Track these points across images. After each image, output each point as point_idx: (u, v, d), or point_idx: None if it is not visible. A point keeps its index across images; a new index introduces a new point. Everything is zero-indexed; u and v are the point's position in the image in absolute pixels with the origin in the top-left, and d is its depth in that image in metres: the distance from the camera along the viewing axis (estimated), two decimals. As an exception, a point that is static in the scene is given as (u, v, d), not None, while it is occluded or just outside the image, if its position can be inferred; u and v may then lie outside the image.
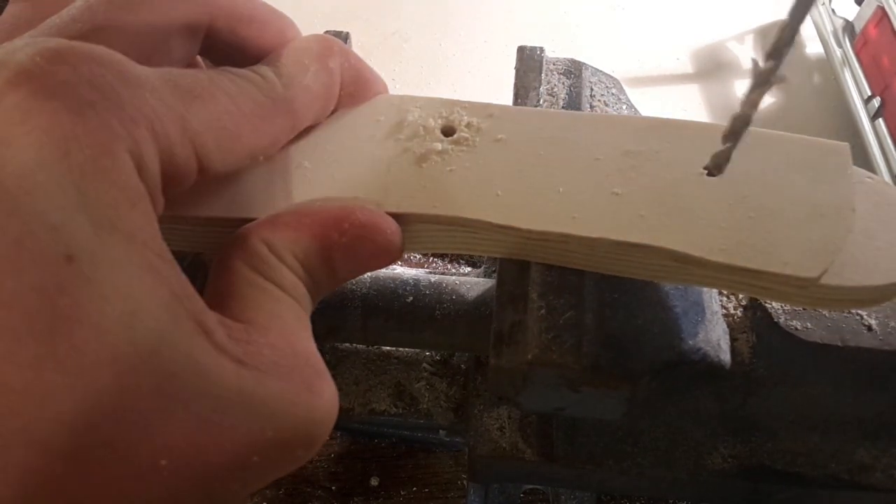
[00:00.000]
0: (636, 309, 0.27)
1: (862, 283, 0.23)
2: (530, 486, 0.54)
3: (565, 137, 0.27)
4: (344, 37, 0.34)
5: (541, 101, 0.34)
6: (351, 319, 0.34)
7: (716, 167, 0.26)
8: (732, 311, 0.32)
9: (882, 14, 0.86)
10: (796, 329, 0.30)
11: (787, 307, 0.31)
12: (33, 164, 0.15)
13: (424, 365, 0.38)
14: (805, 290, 0.24)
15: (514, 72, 0.35)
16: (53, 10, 0.20)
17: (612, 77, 0.37)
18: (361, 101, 0.28)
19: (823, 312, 0.30)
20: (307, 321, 0.22)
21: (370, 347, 0.39)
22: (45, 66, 0.16)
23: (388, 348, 0.39)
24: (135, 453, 0.16)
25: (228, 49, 0.24)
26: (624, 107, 0.35)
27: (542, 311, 0.27)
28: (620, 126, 0.28)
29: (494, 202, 0.25)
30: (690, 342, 0.28)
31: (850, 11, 0.99)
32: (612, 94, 0.35)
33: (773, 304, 0.31)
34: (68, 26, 0.19)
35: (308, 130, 0.27)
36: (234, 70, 0.22)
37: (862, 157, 0.84)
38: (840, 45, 0.96)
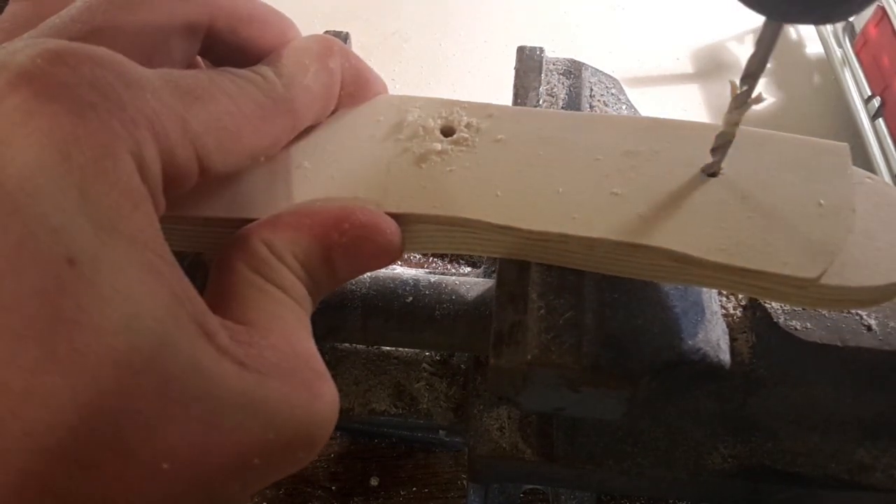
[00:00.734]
0: (636, 309, 0.27)
1: (862, 284, 0.23)
2: (530, 486, 0.54)
3: (565, 138, 0.27)
4: (344, 37, 0.34)
5: (540, 102, 0.34)
6: (351, 319, 0.34)
7: (710, 175, 0.26)
8: (732, 312, 0.32)
9: (882, 14, 0.86)
10: (796, 329, 0.30)
11: (787, 307, 0.31)
12: (34, 166, 0.15)
13: (424, 365, 0.38)
14: (804, 291, 0.24)
15: (513, 72, 0.35)
16: (53, 9, 0.20)
17: (611, 77, 0.37)
18: (361, 102, 0.28)
19: (823, 312, 0.30)
20: (308, 322, 0.22)
21: (370, 347, 0.39)
22: (46, 68, 0.16)
23: (387, 348, 0.39)
24: (136, 455, 0.16)
25: (229, 49, 0.24)
26: (623, 107, 0.35)
27: (542, 311, 0.27)
28: (620, 126, 0.28)
29: (494, 202, 0.26)
30: (690, 342, 0.28)
31: (850, 11, 0.98)
32: (612, 94, 0.35)
33: (773, 304, 0.31)
34: (68, 27, 0.19)
35: (308, 130, 0.27)
36: (235, 70, 0.22)
37: (862, 157, 0.84)
38: (840, 45, 0.96)
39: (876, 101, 0.86)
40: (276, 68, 0.23)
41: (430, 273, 0.37)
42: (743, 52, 1.03)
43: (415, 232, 0.26)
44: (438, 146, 0.27)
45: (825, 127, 0.94)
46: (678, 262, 0.24)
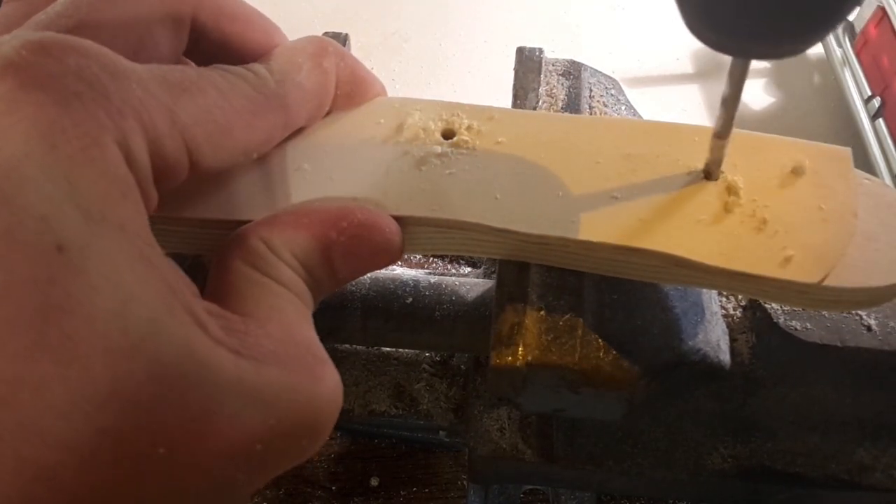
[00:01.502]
0: (636, 310, 0.27)
1: (862, 285, 0.23)
2: (530, 487, 0.54)
3: (565, 141, 0.27)
4: (343, 38, 0.34)
5: (540, 103, 0.34)
6: (351, 320, 0.34)
7: (709, 179, 0.26)
8: (732, 312, 0.32)
9: (882, 14, 0.86)
10: (796, 329, 0.30)
11: (787, 307, 0.31)
12: (21, 156, 0.15)
13: (424, 366, 0.38)
14: (805, 294, 0.24)
15: (513, 72, 0.35)
16: (44, 6, 0.20)
17: (611, 78, 0.37)
18: (359, 103, 0.28)
19: (823, 313, 0.31)
20: (308, 315, 0.22)
21: (370, 348, 0.39)
22: (31, 58, 0.16)
23: (387, 349, 0.39)
24: (131, 443, 0.16)
25: (215, 48, 0.24)
26: (623, 108, 0.35)
27: (542, 312, 0.27)
28: (620, 129, 0.28)
29: (493, 206, 0.25)
30: (690, 343, 0.28)
31: (849, 11, 0.98)
32: (612, 94, 0.35)
33: (773, 304, 0.31)
34: (54, 21, 0.19)
35: (307, 132, 0.27)
36: (225, 66, 0.22)
37: (862, 158, 0.84)
38: (840, 45, 0.96)
39: (876, 101, 0.86)
40: (268, 66, 0.23)
41: (430, 274, 0.37)
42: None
43: (414, 234, 0.26)
44: (438, 149, 0.27)
45: (825, 127, 0.94)
46: (678, 266, 0.24)
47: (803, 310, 0.31)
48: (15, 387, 0.14)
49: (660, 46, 1.02)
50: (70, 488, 0.15)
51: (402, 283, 0.35)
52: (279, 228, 0.22)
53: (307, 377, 0.19)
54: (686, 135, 0.27)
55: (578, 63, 0.36)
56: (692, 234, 0.24)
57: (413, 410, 0.38)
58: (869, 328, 0.30)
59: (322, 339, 0.21)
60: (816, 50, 1.01)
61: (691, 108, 0.97)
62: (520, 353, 0.27)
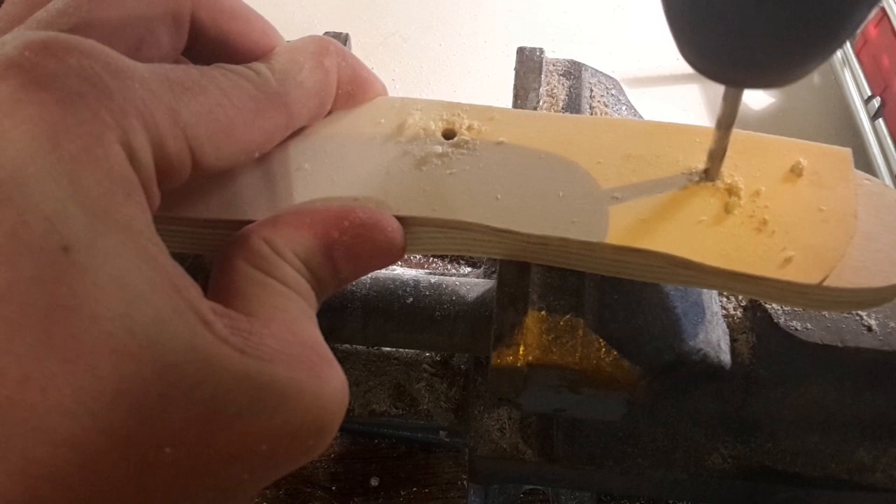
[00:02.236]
0: (636, 310, 0.27)
1: (862, 286, 0.23)
2: (530, 487, 0.54)
3: (566, 141, 0.27)
4: (344, 38, 0.34)
5: (540, 103, 0.34)
6: (351, 320, 0.34)
7: (710, 180, 0.26)
8: (732, 312, 0.32)
9: (882, 14, 0.86)
10: (796, 329, 0.30)
11: (788, 308, 0.31)
12: (25, 156, 0.15)
13: (424, 366, 0.38)
14: (806, 295, 0.24)
15: (513, 73, 0.35)
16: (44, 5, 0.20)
17: (611, 78, 0.37)
18: (360, 103, 0.28)
19: (824, 313, 0.31)
20: (312, 314, 0.22)
21: (370, 348, 0.39)
22: (33, 58, 0.16)
23: (388, 349, 0.39)
24: (136, 441, 0.16)
25: (214, 46, 0.24)
26: (623, 108, 0.35)
27: (543, 312, 0.27)
28: (621, 130, 0.28)
29: (494, 206, 0.25)
30: (690, 343, 0.28)
31: (849, 11, 0.98)
32: (612, 95, 0.35)
33: (774, 304, 0.31)
34: (55, 20, 0.19)
35: (308, 132, 0.27)
36: (226, 65, 0.22)
37: (862, 158, 0.84)
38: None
39: (876, 102, 0.86)
40: (270, 65, 0.23)
41: (431, 274, 0.37)
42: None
43: (415, 234, 0.26)
44: (439, 149, 0.27)
45: (825, 127, 0.94)
46: (678, 267, 0.24)
47: (804, 310, 0.31)
48: (22, 386, 0.14)
49: (660, 46, 1.02)
50: (76, 487, 0.15)
51: (403, 283, 0.35)
52: (281, 229, 0.22)
53: (312, 377, 0.19)
54: (687, 135, 0.27)
55: (579, 63, 0.36)
56: (693, 235, 0.24)
57: (413, 410, 0.38)
58: (869, 328, 0.30)
59: (323, 339, 0.21)
60: (816, 50, 1.01)
61: (691, 107, 0.97)
62: (520, 353, 0.27)
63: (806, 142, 0.27)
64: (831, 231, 0.24)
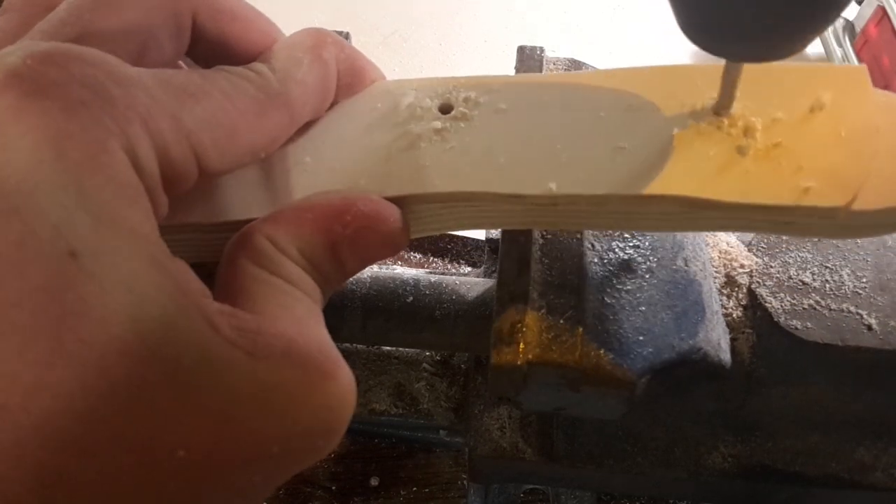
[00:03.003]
0: (636, 309, 0.27)
1: (887, 206, 0.22)
2: (530, 486, 0.54)
3: (566, 100, 0.27)
4: (344, 36, 0.34)
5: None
6: (351, 320, 0.34)
7: (720, 115, 0.25)
8: (732, 311, 0.32)
9: (882, 14, 0.87)
10: (796, 328, 0.30)
11: (788, 306, 0.31)
12: (30, 164, 0.15)
13: (424, 365, 0.38)
14: (833, 220, 0.23)
15: (513, 72, 0.35)
16: (41, 18, 0.20)
17: (611, 77, 0.37)
18: (358, 90, 0.28)
19: (823, 312, 0.30)
20: (318, 312, 0.21)
21: (370, 348, 0.39)
22: (36, 68, 0.16)
23: (388, 348, 0.39)
24: (149, 447, 0.16)
25: (215, 47, 0.24)
26: (624, 106, 0.35)
27: (543, 310, 0.27)
28: (621, 79, 0.27)
29: (498, 173, 0.25)
30: (691, 342, 0.28)
31: (850, 11, 0.98)
32: (612, 93, 0.35)
33: (774, 303, 0.31)
34: (58, 30, 0.19)
35: (307, 126, 0.27)
36: (228, 68, 0.22)
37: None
38: (840, 45, 0.96)
39: (876, 101, 0.86)
40: (270, 64, 0.23)
41: (431, 273, 0.37)
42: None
43: (420, 213, 0.25)
44: (438, 124, 0.26)
45: (825, 127, 0.94)
46: (694, 208, 0.23)
47: (803, 309, 0.31)
48: (34, 392, 0.15)
49: (660, 46, 1.02)
50: (89, 492, 0.15)
51: (403, 283, 0.35)
52: (283, 225, 0.22)
53: (320, 377, 0.19)
54: (690, 76, 0.26)
55: (579, 62, 0.36)
56: (706, 175, 0.23)
57: (413, 410, 0.38)
58: (869, 327, 0.30)
59: (324, 338, 0.21)
60: (816, 50, 1.01)
61: (691, 107, 0.97)
62: (520, 351, 0.27)
63: (818, 65, 0.26)
64: (853, 152, 0.23)
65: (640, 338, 0.27)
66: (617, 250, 0.29)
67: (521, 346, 0.27)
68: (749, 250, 0.33)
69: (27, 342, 0.15)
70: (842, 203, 0.22)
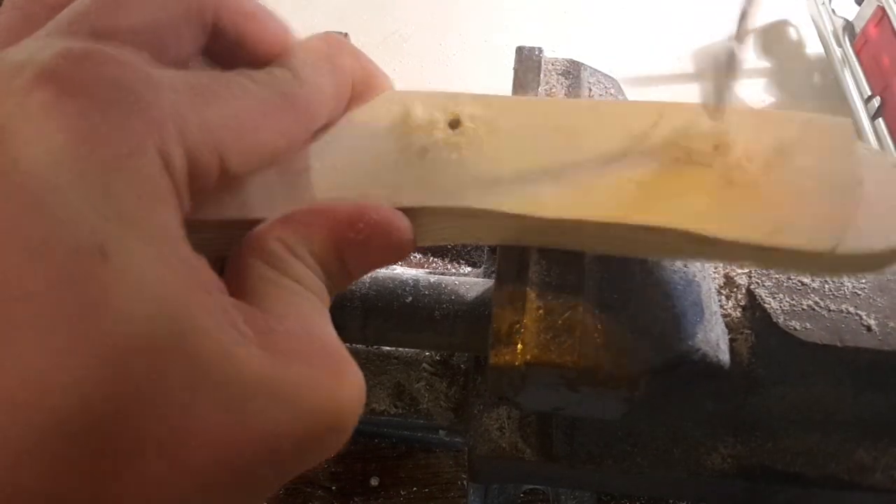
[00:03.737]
0: (635, 309, 0.28)
1: (866, 251, 0.24)
2: (530, 487, 0.54)
3: (571, 125, 0.27)
4: (343, 36, 0.34)
5: (540, 102, 0.34)
6: (351, 320, 0.34)
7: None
8: (731, 312, 0.32)
9: (882, 14, 0.86)
10: (795, 329, 0.30)
11: (787, 307, 0.31)
12: (59, 161, 0.16)
13: (424, 365, 0.38)
14: (816, 262, 0.25)
15: (512, 72, 0.35)
16: (42, 16, 0.20)
17: (610, 77, 0.37)
18: (369, 98, 0.28)
19: (822, 312, 0.31)
20: (325, 312, 0.22)
21: (370, 348, 0.39)
22: (69, 66, 0.17)
23: (387, 348, 0.39)
24: (166, 442, 0.16)
25: (231, 46, 0.24)
26: (623, 107, 0.35)
27: (541, 311, 0.27)
28: (626, 111, 0.28)
29: (505, 191, 0.26)
30: (690, 342, 0.28)
31: (850, 11, 0.98)
32: (611, 94, 0.35)
33: (772, 304, 0.31)
34: (81, 22, 0.19)
35: (318, 132, 0.27)
36: (250, 71, 0.22)
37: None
38: (840, 45, 0.96)
39: (876, 101, 0.86)
40: (291, 69, 0.23)
41: (430, 273, 0.37)
42: (743, 52, 1.03)
43: (425, 225, 0.26)
44: (445, 139, 0.27)
45: (825, 127, 0.94)
46: (692, 242, 0.25)
47: (803, 309, 0.31)
48: (53, 383, 0.15)
49: (660, 46, 1.02)
50: (104, 488, 0.15)
51: (402, 283, 0.35)
52: (295, 227, 0.22)
53: (330, 374, 0.19)
54: (690, 112, 0.27)
55: (578, 62, 0.36)
56: (706, 209, 0.25)
57: (413, 409, 0.38)
58: (869, 328, 0.30)
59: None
60: (816, 49, 1.01)
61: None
62: (519, 351, 0.27)
63: (807, 113, 0.28)
64: (839, 198, 0.25)
65: (639, 338, 0.27)
66: (616, 251, 0.29)
67: (520, 346, 0.27)
68: (748, 251, 0.33)
69: (48, 334, 0.15)
70: (828, 248, 0.24)
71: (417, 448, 0.61)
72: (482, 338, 0.33)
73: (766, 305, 0.31)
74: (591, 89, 0.35)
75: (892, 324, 0.30)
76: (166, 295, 0.16)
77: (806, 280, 0.31)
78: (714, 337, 0.30)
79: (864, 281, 0.31)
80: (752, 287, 0.32)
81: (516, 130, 0.27)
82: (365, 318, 0.34)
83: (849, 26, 0.96)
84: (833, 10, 0.99)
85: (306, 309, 0.21)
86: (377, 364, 0.38)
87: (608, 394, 0.27)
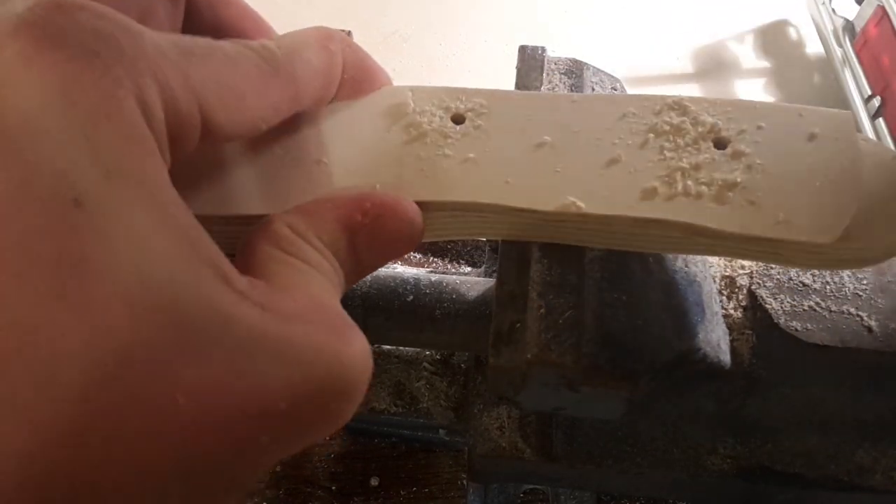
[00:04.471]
0: (636, 309, 0.27)
1: (867, 243, 0.24)
2: (530, 486, 0.54)
3: (574, 119, 0.28)
4: (346, 33, 0.34)
5: (541, 101, 0.34)
6: (351, 318, 0.34)
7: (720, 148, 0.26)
8: (732, 312, 0.32)
9: (882, 13, 0.87)
10: (796, 330, 0.30)
11: (788, 308, 0.31)
12: (38, 110, 0.15)
13: (424, 364, 0.38)
14: (819, 255, 0.25)
15: (515, 71, 0.35)
16: None
17: (613, 76, 0.37)
18: (366, 91, 0.28)
19: (824, 313, 0.31)
20: (335, 293, 0.21)
21: (370, 346, 0.39)
22: (46, 16, 0.16)
23: (388, 347, 0.39)
24: (154, 400, 0.15)
25: (207, 30, 0.24)
26: (624, 107, 0.35)
27: (542, 310, 0.27)
28: (628, 105, 0.28)
29: (508, 186, 0.26)
30: (690, 342, 0.28)
31: (850, 11, 0.98)
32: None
33: (774, 304, 0.31)
34: None
35: (320, 125, 0.27)
36: (235, 39, 0.22)
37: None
38: (840, 45, 0.96)
39: (876, 101, 0.86)
40: (276, 42, 0.23)
41: (431, 272, 0.37)
42: (743, 52, 1.03)
43: (428, 220, 0.26)
44: (448, 133, 0.27)
45: (825, 127, 0.94)
46: (695, 235, 0.25)
47: (804, 310, 0.31)
48: (32, 336, 0.14)
49: (660, 46, 1.02)
50: (86, 441, 0.15)
51: (403, 282, 0.35)
52: (304, 215, 0.22)
53: (334, 337, 0.19)
54: (694, 106, 0.28)
55: (581, 62, 0.36)
56: (707, 202, 0.25)
57: (413, 409, 0.38)
58: (870, 329, 0.30)
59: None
60: (816, 49, 1.01)
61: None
62: (519, 351, 0.27)
63: (807, 106, 0.28)
64: (840, 191, 0.25)
65: (640, 338, 0.27)
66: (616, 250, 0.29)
67: (520, 345, 0.27)
68: (749, 251, 0.33)
69: (24, 285, 0.14)
70: (829, 240, 0.24)
71: (417, 448, 0.61)
72: (483, 337, 0.33)
73: (767, 306, 0.31)
74: (594, 89, 0.35)
75: (893, 325, 0.30)
76: (148, 249, 0.16)
77: (807, 281, 0.31)
78: (715, 337, 0.30)
79: (865, 282, 0.31)
80: (753, 287, 0.32)
81: (520, 125, 0.28)
82: (365, 316, 0.34)
83: (849, 26, 0.96)
84: (833, 10, 0.99)
85: (315, 285, 0.20)
86: (377, 363, 0.38)
87: (608, 394, 0.27)
